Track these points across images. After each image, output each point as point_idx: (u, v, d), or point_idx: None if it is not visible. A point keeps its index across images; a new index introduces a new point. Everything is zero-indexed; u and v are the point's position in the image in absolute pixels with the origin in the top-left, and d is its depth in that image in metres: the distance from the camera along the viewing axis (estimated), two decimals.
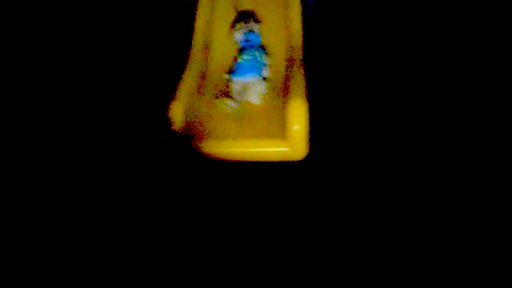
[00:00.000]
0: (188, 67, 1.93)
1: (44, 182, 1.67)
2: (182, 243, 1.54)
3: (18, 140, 1.76)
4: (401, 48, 2.05)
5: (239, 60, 1.89)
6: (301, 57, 1.91)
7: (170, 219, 1.60)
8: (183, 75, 1.89)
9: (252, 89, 1.84)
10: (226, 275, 1.46)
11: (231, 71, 1.93)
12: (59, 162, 1.72)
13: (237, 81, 1.86)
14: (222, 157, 1.72)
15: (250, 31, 1.98)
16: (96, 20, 2.11)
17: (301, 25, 2.00)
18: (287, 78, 1.87)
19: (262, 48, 1.99)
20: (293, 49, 1.96)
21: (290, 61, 1.92)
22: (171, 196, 1.66)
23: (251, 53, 1.90)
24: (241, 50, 1.96)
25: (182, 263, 1.49)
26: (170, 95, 1.82)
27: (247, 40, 1.96)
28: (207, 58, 2.02)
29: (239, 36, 1.98)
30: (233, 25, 2.05)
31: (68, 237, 1.54)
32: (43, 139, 1.77)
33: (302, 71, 1.82)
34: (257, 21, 2.04)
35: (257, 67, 1.87)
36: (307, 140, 1.64)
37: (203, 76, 1.97)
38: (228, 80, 1.90)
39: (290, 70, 1.87)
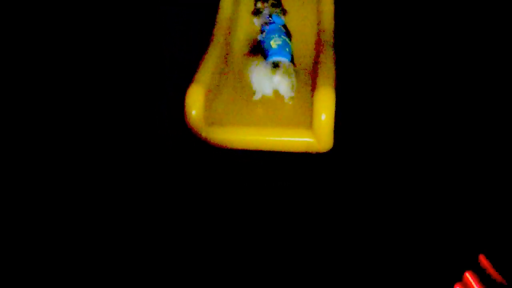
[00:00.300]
0: (210, 47, 1.80)
1: (50, 179, 1.67)
2: (201, 235, 1.54)
3: (22, 140, 1.76)
4: (441, 35, 1.93)
5: (271, 44, 1.74)
6: (332, 41, 1.77)
7: (186, 211, 1.60)
8: (205, 56, 1.76)
9: (283, 80, 1.67)
10: (247, 267, 1.46)
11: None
12: (66, 160, 1.72)
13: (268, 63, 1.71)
14: (242, 146, 1.62)
15: (272, 13, 1.85)
16: (97, 20, 2.11)
17: (333, 5, 1.87)
18: (315, 64, 1.75)
19: (285, 29, 1.85)
20: (323, 32, 1.82)
21: (319, 45, 1.79)
22: (188, 186, 1.65)
23: (281, 37, 1.75)
24: (263, 32, 1.84)
25: (203, 254, 1.49)
26: (170, 94, 1.82)
27: (270, 22, 1.83)
28: (229, 39, 1.90)
29: (260, 19, 1.87)
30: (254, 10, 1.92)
31: (76, 233, 1.55)
32: (48, 138, 1.77)
33: (332, 57, 1.70)
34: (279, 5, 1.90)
35: (287, 54, 1.73)
36: (333, 131, 1.55)
37: (225, 58, 1.85)
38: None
39: (319, 55, 1.75)
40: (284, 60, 1.70)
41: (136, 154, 1.76)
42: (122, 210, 1.61)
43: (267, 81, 1.68)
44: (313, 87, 1.63)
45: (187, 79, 1.73)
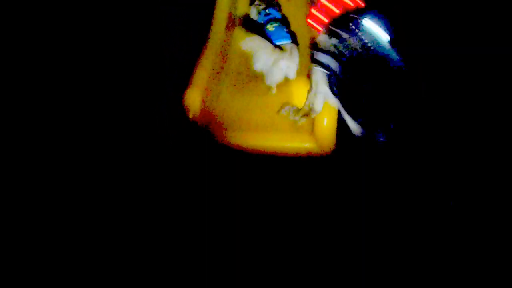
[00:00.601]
0: (206, 47, 1.78)
1: (52, 180, 1.67)
2: (201, 235, 1.55)
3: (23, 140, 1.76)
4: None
5: (268, 28, 1.72)
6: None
7: (186, 210, 1.60)
8: (201, 58, 1.74)
9: (290, 64, 1.63)
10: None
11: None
12: (66, 160, 1.73)
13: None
14: (243, 149, 1.61)
15: (269, 6, 1.82)
16: (97, 20, 2.11)
17: None
18: None
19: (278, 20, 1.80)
20: None
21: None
22: (188, 185, 1.65)
23: (277, 22, 1.74)
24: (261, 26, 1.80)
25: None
26: (170, 94, 1.82)
27: (266, 14, 1.80)
28: (228, 41, 1.85)
29: (256, 11, 1.84)
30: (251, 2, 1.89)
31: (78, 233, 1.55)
32: (48, 138, 1.77)
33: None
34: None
35: (287, 34, 1.71)
36: (335, 134, 1.51)
37: (223, 58, 1.80)
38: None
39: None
40: (285, 42, 1.68)
41: (136, 153, 1.76)
42: (123, 209, 1.61)
43: (275, 69, 1.65)
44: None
45: (187, 79, 1.73)
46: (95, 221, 1.59)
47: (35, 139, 1.77)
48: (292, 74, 1.65)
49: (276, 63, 1.63)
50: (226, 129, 1.64)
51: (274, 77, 1.65)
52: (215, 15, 1.91)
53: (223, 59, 1.82)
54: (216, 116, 1.68)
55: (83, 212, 1.61)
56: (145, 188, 1.67)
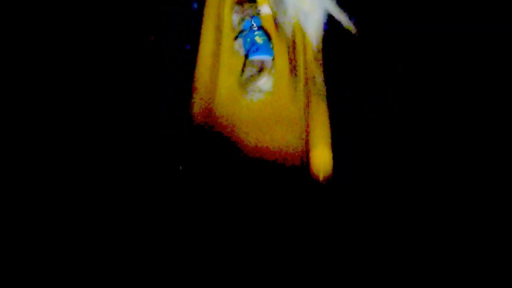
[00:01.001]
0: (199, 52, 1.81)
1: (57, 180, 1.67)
2: (199, 238, 1.55)
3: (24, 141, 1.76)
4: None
5: (257, 40, 1.77)
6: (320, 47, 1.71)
7: (186, 212, 1.60)
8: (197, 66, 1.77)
9: (268, 80, 1.73)
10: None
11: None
12: (65, 160, 1.73)
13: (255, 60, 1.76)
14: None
15: (253, 14, 1.88)
16: (96, 20, 2.11)
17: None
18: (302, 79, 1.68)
19: (262, 29, 1.85)
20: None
21: (303, 50, 1.71)
22: (188, 186, 1.65)
23: (264, 35, 1.80)
24: (241, 33, 1.87)
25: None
26: (170, 94, 1.82)
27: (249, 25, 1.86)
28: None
29: (238, 17, 1.89)
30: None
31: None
32: (47, 138, 1.77)
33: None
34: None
35: (271, 50, 1.78)
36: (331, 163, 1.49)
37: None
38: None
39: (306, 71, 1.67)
40: (268, 58, 1.77)
41: (136, 154, 1.76)
42: (122, 210, 1.61)
43: (251, 85, 1.76)
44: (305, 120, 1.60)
45: (187, 79, 1.74)
46: (95, 221, 1.59)
47: (35, 139, 1.77)
48: (268, 87, 1.75)
49: (255, 81, 1.74)
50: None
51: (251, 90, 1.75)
52: (204, 20, 1.93)
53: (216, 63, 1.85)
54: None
55: (82, 212, 1.61)
56: (144, 189, 1.67)
